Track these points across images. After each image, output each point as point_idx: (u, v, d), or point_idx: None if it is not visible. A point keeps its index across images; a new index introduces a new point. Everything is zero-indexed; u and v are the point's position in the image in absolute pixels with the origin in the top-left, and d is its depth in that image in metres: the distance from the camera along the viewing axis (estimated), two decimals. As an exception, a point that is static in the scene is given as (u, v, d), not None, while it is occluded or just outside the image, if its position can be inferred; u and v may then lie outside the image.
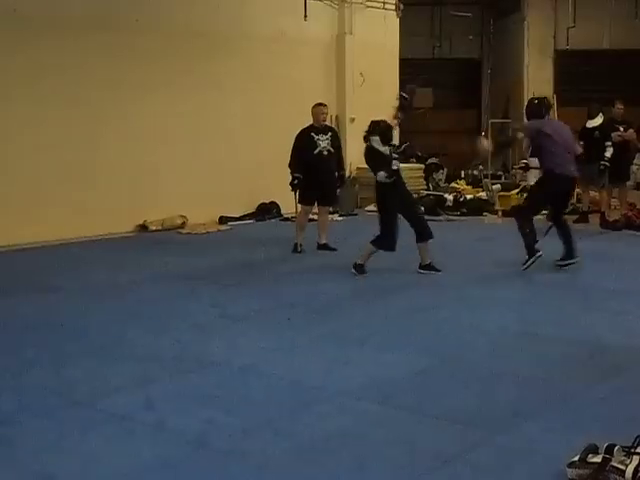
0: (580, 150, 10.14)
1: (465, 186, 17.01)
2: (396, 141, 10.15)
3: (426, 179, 17.04)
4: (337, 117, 15.98)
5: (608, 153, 12.91)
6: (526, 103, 10.36)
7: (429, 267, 9.49)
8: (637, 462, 4.00)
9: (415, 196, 15.81)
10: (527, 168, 13.98)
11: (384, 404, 5.29)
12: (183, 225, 13.45)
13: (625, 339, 6.68)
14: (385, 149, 9.35)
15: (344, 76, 16.16)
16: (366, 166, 10.03)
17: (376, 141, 9.32)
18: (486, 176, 17.98)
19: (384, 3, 16.59)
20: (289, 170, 10.92)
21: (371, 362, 6.22)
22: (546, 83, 20.91)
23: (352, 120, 15.53)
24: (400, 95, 9.73)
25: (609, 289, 8.72)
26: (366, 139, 9.46)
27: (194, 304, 8.22)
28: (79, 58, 12.26)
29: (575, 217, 12.95)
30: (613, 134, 13.13)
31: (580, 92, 19.64)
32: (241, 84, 14.43)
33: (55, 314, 7.89)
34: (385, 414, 5.15)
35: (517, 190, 15.76)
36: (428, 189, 16.65)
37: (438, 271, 9.45)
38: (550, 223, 9.53)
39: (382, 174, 9.24)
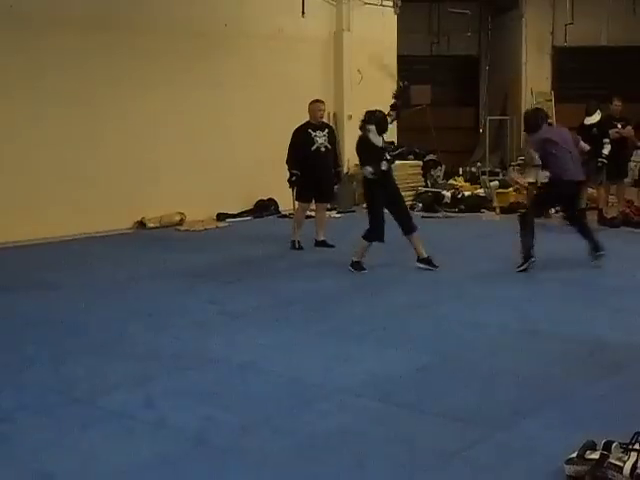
0: (587, 147, 10.16)
1: (463, 183, 16.99)
2: (394, 139, 10.17)
3: (424, 176, 17.02)
4: (335, 114, 15.97)
5: (606, 150, 12.89)
6: (523, 117, 10.40)
7: (427, 262, 9.51)
8: (635, 459, 4.01)
9: (413, 192, 15.99)
10: (525, 165, 14.03)
11: (384, 401, 5.29)
12: (181, 222, 13.44)
13: (624, 336, 6.69)
14: (379, 140, 9.38)
15: (342, 73, 16.16)
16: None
17: (372, 130, 9.35)
18: (484, 173, 17.98)
19: (382, 0, 16.58)
20: (287, 167, 10.93)
21: (371, 359, 6.23)
22: (544, 80, 20.91)
23: (350, 117, 15.50)
24: (398, 86, 9.73)
25: (608, 286, 8.73)
26: (362, 128, 9.49)
27: (193, 301, 8.22)
28: (78, 56, 12.24)
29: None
30: (611, 131, 13.11)
31: (578, 89, 19.62)
32: (239, 82, 14.42)
33: (54, 311, 7.89)
34: (385, 411, 5.16)
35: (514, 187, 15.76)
36: (426, 186, 16.63)
37: (435, 267, 9.47)
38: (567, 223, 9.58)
39: (368, 170, 9.29)
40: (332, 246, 11.01)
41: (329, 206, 12.53)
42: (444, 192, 15.74)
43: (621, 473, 3.99)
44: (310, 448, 4.60)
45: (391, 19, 16.91)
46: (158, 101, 13.17)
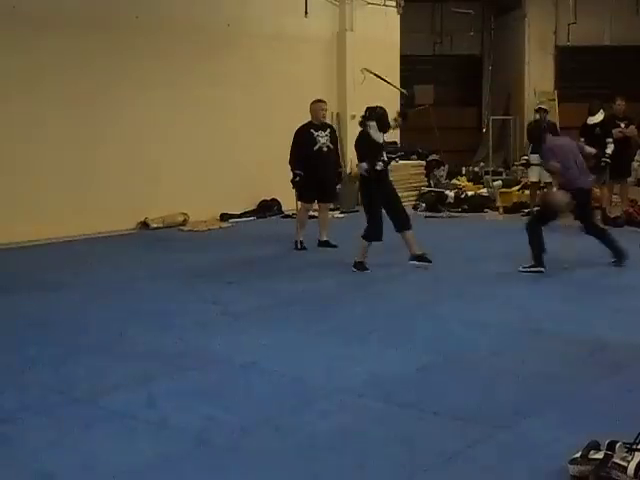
0: (593, 151, 10.15)
1: (466, 183, 17.00)
2: (397, 139, 10.18)
3: (427, 176, 17.03)
4: (338, 114, 15.97)
5: (609, 150, 12.89)
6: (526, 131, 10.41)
7: (420, 258, 9.51)
8: (639, 458, 4.00)
9: (416, 192, 15.98)
10: (528, 165, 14.01)
11: (385, 401, 5.29)
12: (184, 222, 13.45)
13: (625, 336, 6.67)
14: (379, 136, 9.38)
15: (345, 73, 16.15)
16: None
17: (372, 127, 9.37)
18: (487, 173, 17.98)
19: (385, 0, 16.57)
20: (289, 167, 10.92)
21: (372, 359, 6.22)
22: (547, 80, 20.92)
23: (353, 117, 15.47)
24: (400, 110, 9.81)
25: (609, 286, 8.72)
26: (362, 124, 9.49)
27: (195, 301, 8.22)
28: (79, 57, 12.26)
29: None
30: (614, 130, 13.12)
31: (581, 88, 19.64)
32: (242, 82, 14.43)
33: (56, 312, 7.89)
34: (386, 411, 5.15)
35: (518, 187, 15.76)
36: (429, 186, 16.64)
37: (429, 262, 9.47)
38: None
39: (363, 166, 9.33)
40: (335, 246, 11.00)
41: (332, 206, 12.54)
42: (447, 192, 15.74)
43: (625, 473, 3.98)
44: (311, 448, 4.60)
45: (394, 19, 16.92)
46: (160, 101, 13.18)
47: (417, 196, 15.95)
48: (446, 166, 17.95)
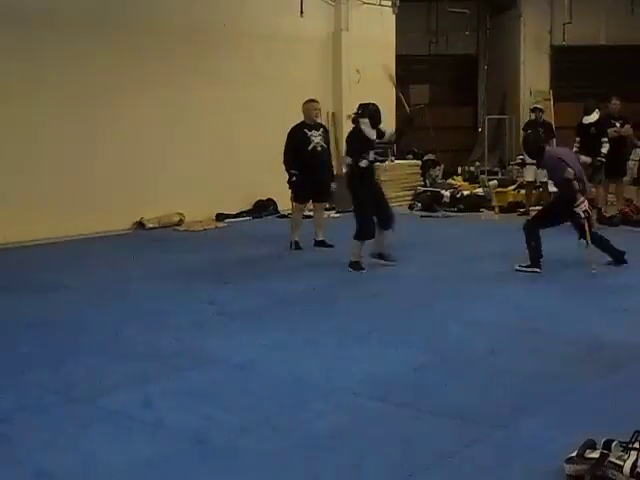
0: (588, 159, 10.17)
1: (462, 182, 17.01)
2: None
3: (423, 175, 17.03)
4: (333, 114, 15.98)
5: (604, 149, 12.90)
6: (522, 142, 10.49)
7: (381, 256, 9.58)
8: (635, 457, 4.01)
9: (412, 192, 16.00)
10: (524, 164, 14.03)
11: (382, 401, 5.30)
12: (180, 222, 13.44)
13: (623, 335, 6.69)
14: (372, 133, 9.41)
15: (340, 73, 16.16)
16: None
17: (365, 123, 9.40)
18: (483, 172, 17.99)
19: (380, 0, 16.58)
20: (284, 168, 10.91)
21: (369, 358, 6.23)
22: (542, 79, 20.93)
23: (349, 117, 15.47)
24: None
25: (607, 285, 8.73)
26: (354, 121, 9.52)
27: (192, 301, 8.22)
28: (77, 57, 12.23)
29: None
30: (609, 130, 13.13)
31: (576, 88, 19.64)
32: (238, 81, 14.42)
33: (53, 311, 7.89)
34: (383, 411, 5.16)
35: (514, 186, 15.78)
36: (425, 185, 16.64)
37: (391, 262, 9.50)
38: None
39: (347, 160, 9.40)
40: (331, 246, 11.01)
41: (328, 206, 12.54)
42: (443, 191, 15.75)
43: (621, 472, 3.99)
44: (309, 448, 4.60)
45: (389, 19, 16.92)
46: (157, 101, 13.17)
47: (413, 196, 15.97)
48: (442, 166, 17.95)
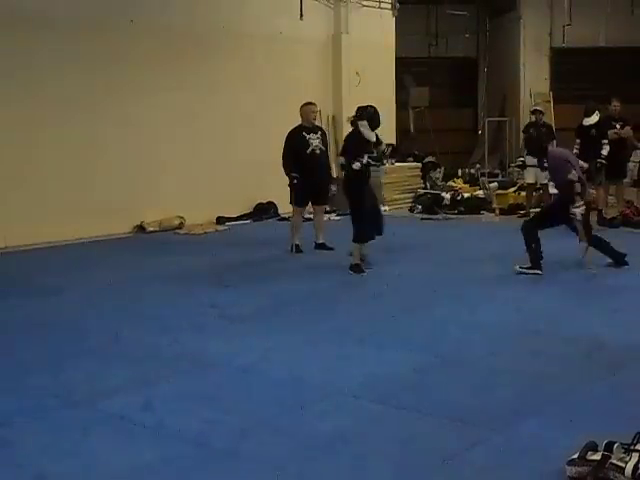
0: (585, 165, 10.16)
1: (462, 184, 17.00)
2: (393, 140, 10.23)
3: (423, 178, 17.03)
4: (334, 117, 15.98)
5: (605, 151, 12.91)
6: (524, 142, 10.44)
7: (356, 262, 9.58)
8: (637, 459, 4.00)
9: (413, 195, 16.00)
10: (524, 166, 14.03)
11: (383, 402, 5.29)
12: (181, 226, 13.45)
13: (623, 336, 6.68)
14: (372, 135, 9.42)
15: (340, 75, 16.16)
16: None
17: (364, 126, 9.41)
18: (483, 174, 17.99)
19: (380, 2, 16.60)
20: (284, 172, 10.90)
21: (370, 360, 6.22)
22: (542, 81, 20.94)
23: (349, 119, 15.50)
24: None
25: (607, 286, 8.73)
26: (353, 124, 9.53)
27: (193, 304, 8.21)
28: (77, 60, 12.26)
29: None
30: (610, 132, 13.13)
31: (576, 90, 19.64)
32: (238, 84, 14.43)
33: (54, 315, 7.88)
34: (384, 412, 5.15)
35: (514, 188, 15.78)
36: (425, 188, 16.64)
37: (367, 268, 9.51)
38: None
39: (341, 160, 9.43)
40: (332, 248, 11.00)
41: (328, 209, 12.53)
42: (443, 194, 15.75)
43: (623, 474, 3.98)
44: (310, 449, 4.59)
45: (389, 21, 16.94)
46: (157, 104, 13.18)
47: (413, 198, 15.96)
48: (442, 168, 17.95)
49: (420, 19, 21.43)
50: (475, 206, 15.21)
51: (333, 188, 11.25)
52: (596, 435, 4.21)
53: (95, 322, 7.58)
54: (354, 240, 9.47)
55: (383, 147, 9.94)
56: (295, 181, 10.81)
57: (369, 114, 9.45)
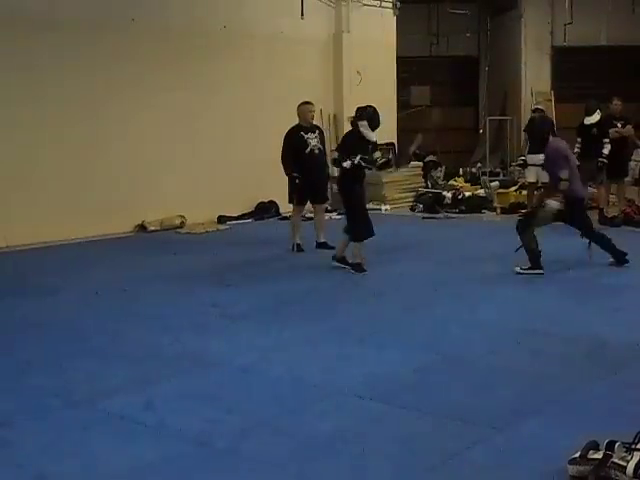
0: (577, 163, 10.16)
1: (463, 183, 16.98)
2: (394, 140, 10.24)
3: (424, 177, 17.00)
4: (335, 116, 15.97)
5: (606, 150, 12.89)
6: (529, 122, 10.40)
7: (343, 260, 9.59)
8: (638, 458, 4.01)
9: (414, 194, 15.98)
10: (525, 165, 14.01)
11: (384, 402, 5.29)
12: (182, 225, 13.44)
13: (624, 335, 6.68)
14: (372, 135, 9.43)
15: (341, 74, 16.15)
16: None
17: (364, 126, 9.42)
18: (484, 173, 17.97)
19: (381, 1, 16.57)
20: (284, 171, 10.89)
21: (371, 360, 6.22)
22: (543, 80, 20.90)
23: (349, 119, 15.49)
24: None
25: (607, 285, 8.72)
26: (353, 124, 9.53)
27: (194, 304, 8.21)
28: (78, 59, 12.25)
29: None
30: (611, 130, 13.12)
31: (577, 89, 19.62)
32: (239, 83, 14.42)
33: (54, 315, 7.89)
34: (385, 412, 5.15)
35: (515, 187, 15.76)
36: (426, 187, 16.61)
37: (353, 269, 9.48)
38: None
39: (335, 154, 9.58)
40: (333, 248, 10.94)
41: (329, 207, 12.52)
42: (444, 193, 15.73)
43: (624, 473, 3.98)
44: (310, 449, 4.60)
45: (390, 20, 16.92)
46: (157, 103, 13.17)
47: (414, 197, 15.95)
48: (443, 167, 17.93)
49: (421, 18, 21.40)
50: (476, 205, 15.18)
51: (335, 188, 11.28)
52: (597, 434, 4.21)
53: (96, 321, 7.58)
54: (353, 239, 9.46)
55: (378, 154, 9.92)
56: (297, 181, 10.81)
57: (369, 114, 9.45)
